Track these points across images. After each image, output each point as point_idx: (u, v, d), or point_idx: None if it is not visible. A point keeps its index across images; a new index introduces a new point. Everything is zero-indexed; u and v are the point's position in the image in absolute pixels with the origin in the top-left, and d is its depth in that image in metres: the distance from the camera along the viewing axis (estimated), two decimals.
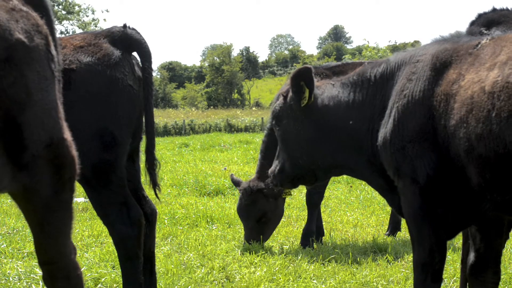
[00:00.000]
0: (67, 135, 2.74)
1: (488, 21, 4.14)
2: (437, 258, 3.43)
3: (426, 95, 3.37)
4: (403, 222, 7.59)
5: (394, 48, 67.80)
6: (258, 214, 6.55)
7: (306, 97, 3.95)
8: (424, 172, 3.34)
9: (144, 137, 4.29)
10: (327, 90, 4.01)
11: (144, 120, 4.19)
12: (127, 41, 4.10)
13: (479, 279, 3.68)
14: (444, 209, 3.38)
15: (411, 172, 3.40)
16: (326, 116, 3.94)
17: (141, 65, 4.14)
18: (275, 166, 4.30)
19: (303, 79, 3.93)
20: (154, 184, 4.27)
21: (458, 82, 3.20)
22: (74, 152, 2.77)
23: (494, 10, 4.30)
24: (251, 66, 77.38)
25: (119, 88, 3.97)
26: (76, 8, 48.73)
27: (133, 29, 4.19)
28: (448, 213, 3.39)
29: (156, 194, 4.29)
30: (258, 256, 5.85)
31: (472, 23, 4.29)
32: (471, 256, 3.71)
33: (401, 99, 3.48)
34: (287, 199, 9.59)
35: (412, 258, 5.74)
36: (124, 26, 4.18)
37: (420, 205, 3.41)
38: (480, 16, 4.32)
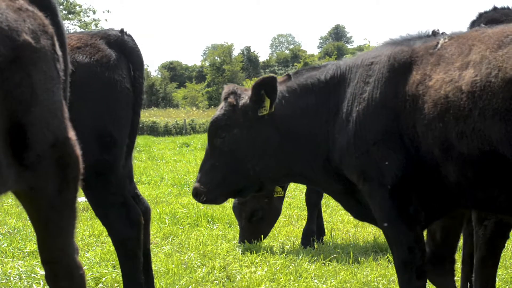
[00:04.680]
0: (72, 134, 2.75)
1: (489, 20, 4.13)
2: (418, 255, 3.44)
3: (388, 96, 3.37)
4: None
5: None
6: (248, 213, 6.58)
7: (267, 107, 3.80)
8: (391, 173, 3.35)
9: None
10: (279, 97, 3.85)
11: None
12: (121, 46, 4.11)
13: (438, 272, 3.80)
14: (415, 207, 3.40)
15: (378, 175, 3.39)
16: (283, 123, 3.81)
17: (132, 74, 4.13)
18: (208, 179, 3.94)
19: (265, 89, 3.79)
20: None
21: (424, 82, 3.22)
22: (78, 152, 2.78)
23: (495, 9, 4.30)
24: (252, 65, 77.36)
25: (118, 90, 3.98)
26: (77, 8, 48.72)
27: (129, 35, 4.19)
28: (420, 210, 3.41)
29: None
30: (259, 255, 5.85)
31: (473, 23, 4.30)
32: (428, 252, 3.78)
33: (361, 103, 3.46)
34: (288, 199, 9.59)
35: None
36: (121, 31, 4.18)
37: (391, 206, 3.42)
38: (481, 15, 4.32)
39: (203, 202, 4.01)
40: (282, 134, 3.80)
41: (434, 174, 3.25)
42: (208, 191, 3.93)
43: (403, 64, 3.39)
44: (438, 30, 3.76)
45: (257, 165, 3.85)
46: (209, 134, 3.98)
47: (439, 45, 3.32)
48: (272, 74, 3.92)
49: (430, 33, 3.67)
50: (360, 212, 3.80)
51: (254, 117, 3.85)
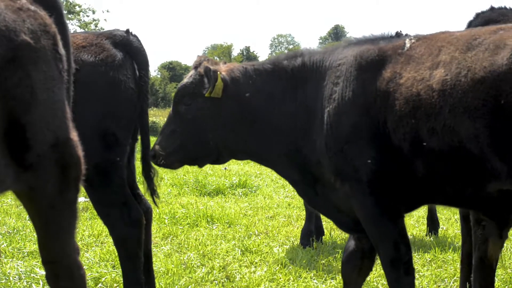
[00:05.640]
0: (73, 135, 2.75)
1: (486, 20, 4.15)
2: (403, 250, 3.48)
3: (356, 94, 3.45)
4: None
5: None
6: None
7: (215, 89, 3.79)
8: (367, 170, 3.40)
9: (139, 145, 4.32)
10: (247, 75, 3.89)
11: (140, 130, 4.21)
12: (127, 46, 4.12)
13: (354, 264, 3.91)
14: (397, 202, 3.46)
15: (355, 173, 3.45)
16: (247, 102, 3.85)
17: (137, 73, 4.15)
18: (167, 144, 3.96)
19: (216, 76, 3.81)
20: (152, 192, 4.31)
21: (395, 80, 3.33)
22: (80, 152, 2.78)
23: (492, 9, 4.32)
24: None
25: (122, 90, 3.99)
26: (77, 8, 48.69)
27: (135, 36, 4.22)
28: (400, 204, 3.49)
29: (154, 201, 4.33)
30: (258, 255, 5.86)
31: (470, 23, 4.31)
32: (351, 244, 3.91)
33: (331, 103, 3.52)
34: (287, 199, 9.60)
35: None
36: (127, 31, 4.21)
37: (373, 203, 3.47)
38: (478, 15, 4.34)
39: (160, 165, 4.02)
40: (244, 112, 3.85)
41: (404, 169, 3.34)
42: (166, 155, 3.96)
43: (370, 62, 3.48)
44: (401, 31, 3.84)
45: (217, 137, 3.88)
46: (174, 99, 4.01)
47: (408, 45, 3.44)
48: (208, 66, 3.88)
49: (394, 34, 3.76)
50: (316, 202, 3.87)
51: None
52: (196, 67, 4.00)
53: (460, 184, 3.25)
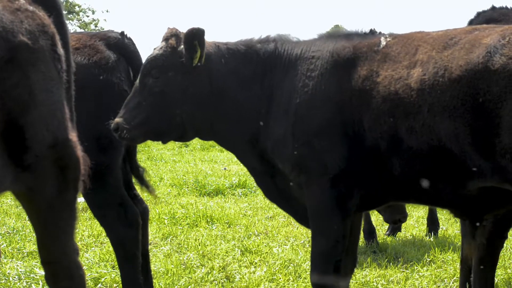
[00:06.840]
0: (73, 135, 2.75)
1: (487, 19, 4.16)
2: (340, 249, 3.52)
3: (332, 91, 3.46)
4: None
5: None
6: None
7: (198, 57, 3.71)
8: (334, 164, 3.42)
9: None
10: (219, 54, 3.82)
11: None
12: (122, 50, 4.11)
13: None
14: (354, 200, 3.48)
15: (319, 166, 3.45)
16: (217, 81, 3.78)
17: (133, 78, 4.14)
18: (131, 116, 3.77)
19: (197, 39, 3.70)
20: (147, 187, 4.32)
21: (371, 78, 3.34)
22: (79, 153, 2.78)
23: (493, 8, 4.33)
24: None
25: (115, 92, 3.98)
26: (77, 8, 48.66)
27: (130, 39, 4.20)
28: (359, 202, 3.50)
29: (153, 193, 4.34)
30: (258, 256, 5.85)
31: (471, 22, 4.32)
32: None
33: (302, 95, 3.52)
34: None
35: (407, 257, 5.75)
36: (122, 33, 4.19)
37: (329, 197, 3.47)
38: (479, 14, 4.35)
39: (122, 139, 3.84)
40: (213, 90, 3.78)
41: (379, 167, 3.35)
42: (130, 128, 3.77)
43: (346, 59, 3.49)
44: (374, 29, 3.87)
45: (184, 113, 3.77)
46: (142, 71, 3.85)
47: (383, 43, 3.45)
48: (201, 27, 3.78)
49: (368, 31, 3.78)
50: (274, 195, 3.89)
51: (190, 65, 3.74)
52: (167, 39, 3.85)
53: (440, 183, 3.26)
